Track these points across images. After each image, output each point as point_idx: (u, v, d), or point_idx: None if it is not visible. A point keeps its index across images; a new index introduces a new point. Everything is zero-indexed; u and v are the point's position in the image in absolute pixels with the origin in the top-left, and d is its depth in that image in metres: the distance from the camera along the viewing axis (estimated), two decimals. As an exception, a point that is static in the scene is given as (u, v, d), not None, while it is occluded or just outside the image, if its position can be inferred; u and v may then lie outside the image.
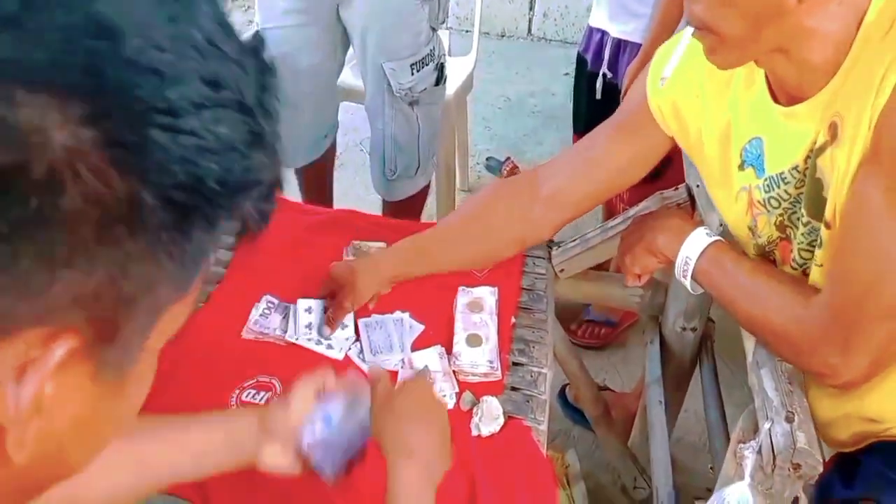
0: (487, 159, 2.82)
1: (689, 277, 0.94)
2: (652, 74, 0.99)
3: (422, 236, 1.15)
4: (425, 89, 1.66)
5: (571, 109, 2.00)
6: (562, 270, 1.30)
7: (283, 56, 1.66)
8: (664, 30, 1.57)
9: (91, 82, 0.26)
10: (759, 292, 0.88)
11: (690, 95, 0.94)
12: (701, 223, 0.95)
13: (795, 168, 0.85)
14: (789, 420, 0.81)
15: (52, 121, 0.25)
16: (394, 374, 1.05)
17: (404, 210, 1.80)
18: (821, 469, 0.80)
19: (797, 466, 0.79)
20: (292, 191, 1.91)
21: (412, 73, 1.61)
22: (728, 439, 1.22)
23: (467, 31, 3.22)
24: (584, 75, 1.88)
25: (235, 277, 1.20)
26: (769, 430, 0.81)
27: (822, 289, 0.83)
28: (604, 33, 1.79)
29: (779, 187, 0.87)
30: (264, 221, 0.33)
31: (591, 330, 1.98)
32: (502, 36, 3.89)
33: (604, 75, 1.77)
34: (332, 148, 1.91)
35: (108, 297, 0.29)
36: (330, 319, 1.08)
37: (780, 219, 0.90)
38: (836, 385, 0.84)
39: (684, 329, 1.32)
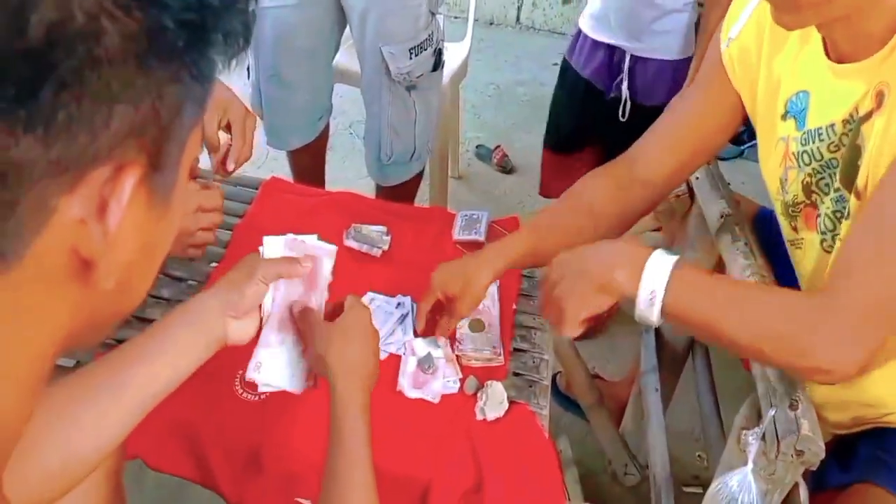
0: (477, 147, 2.84)
1: (656, 307, 0.83)
2: (722, 34, 1.00)
3: (528, 229, 1.10)
4: (423, 74, 1.64)
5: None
6: (560, 258, 1.31)
7: (280, 36, 1.64)
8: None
9: None
10: (748, 302, 0.83)
11: (752, 55, 0.96)
12: (652, 249, 0.86)
13: (832, 127, 0.86)
14: (793, 407, 0.83)
15: None
16: (396, 357, 1.05)
17: (397, 195, 1.79)
18: (823, 455, 0.81)
19: (800, 453, 0.81)
20: (285, 173, 1.89)
21: (410, 58, 1.60)
22: (722, 427, 1.24)
23: (456, 18, 3.20)
24: (574, 88, 1.77)
25: (235, 257, 1.18)
26: (773, 416, 0.83)
27: (833, 272, 0.82)
28: (611, 48, 1.69)
29: (814, 142, 0.89)
30: (248, 36, 0.36)
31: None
32: (490, 24, 3.88)
33: (625, 98, 1.68)
34: (326, 131, 1.90)
35: (152, 124, 0.33)
36: (446, 330, 1.05)
37: (808, 178, 0.91)
38: (832, 381, 0.82)
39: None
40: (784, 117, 0.93)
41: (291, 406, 0.93)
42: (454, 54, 2.18)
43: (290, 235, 0.94)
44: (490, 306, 1.13)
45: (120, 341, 0.99)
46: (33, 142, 0.29)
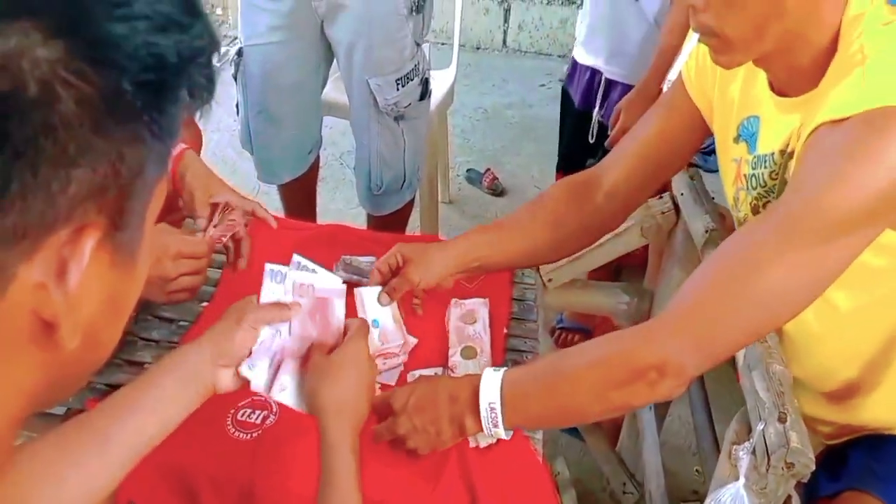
0: (468, 171, 2.86)
1: (500, 423, 0.86)
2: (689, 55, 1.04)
3: (489, 226, 1.15)
4: (410, 104, 1.67)
5: (558, 138, 2.03)
6: (550, 280, 1.32)
7: (268, 73, 1.66)
8: (665, 64, 1.64)
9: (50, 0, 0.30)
10: (569, 358, 0.87)
11: (707, 75, 0.99)
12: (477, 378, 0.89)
13: (773, 156, 0.89)
14: (782, 420, 0.83)
15: (33, 42, 0.29)
16: (390, 387, 1.05)
17: (389, 224, 1.81)
18: (813, 467, 0.82)
19: (790, 465, 0.81)
20: (275, 207, 1.91)
21: (397, 89, 1.63)
22: (716, 441, 1.24)
23: (443, 44, 3.25)
24: (570, 114, 1.91)
25: (225, 295, 1.19)
26: (762, 430, 0.83)
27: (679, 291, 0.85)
28: (594, 72, 1.81)
29: (762, 167, 0.91)
30: (212, 89, 0.37)
31: (564, 337, 1.99)
32: (477, 48, 3.93)
33: (599, 121, 1.80)
34: (316, 163, 1.92)
35: (112, 185, 0.33)
36: (393, 289, 1.05)
37: (756, 202, 0.94)
38: (671, 381, 0.80)
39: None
40: (736, 140, 0.95)
41: (284, 444, 0.93)
42: (440, 81, 2.21)
43: (296, 279, 0.95)
44: (481, 332, 1.13)
45: (110, 385, 1.00)
46: None
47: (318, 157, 1.91)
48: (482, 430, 0.88)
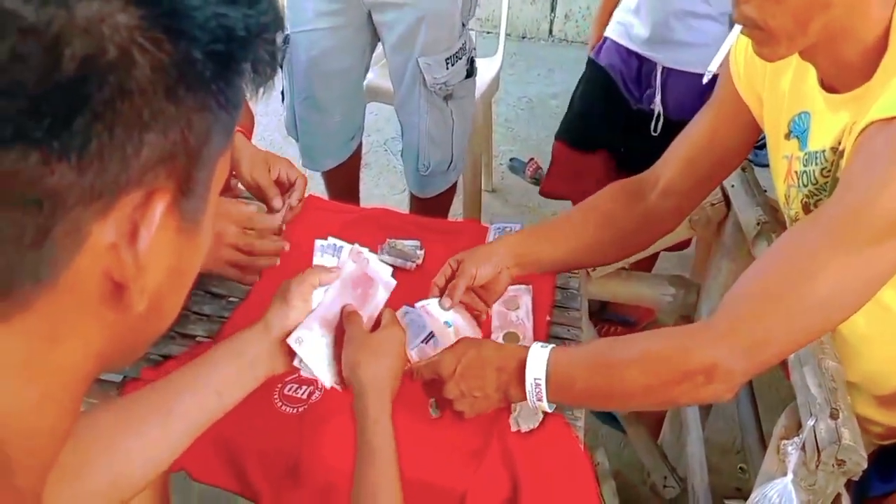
0: (511, 160, 2.85)
1: (544, 399, 0.88)
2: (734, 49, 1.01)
3: (541, 225, 1.17)
4: (458, 82, 1.68)
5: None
6: (593, 269, 1.30)
7: (314, 59, 1.68)
8: None
9: None
10: (620, 344, 0.87)
11: (757, 69, 0.97)
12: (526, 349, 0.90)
13: (824, 153, 0.87)
14: (834, 417, 0.81)
15: (114, 8, 0.30)
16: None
17: (432, 209, 1.82)
18: (865, 465, 0.80)
19: (841, 462, 0.80)
20: (320, 191, 1.93)
21: (447, 68, 1.64)
22: (762, 438, 1.22)
23: (489, 33, 3.23)
24: (591, 82, 1.76)
25: (272, 274, 1.21)
26: (813, 426, 0.81)
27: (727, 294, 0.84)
28: (642, 59, 1.68)
29: (813, 164, 0.89)
30: (274, 65, 0.37)
31: (608, 329, 1.96)
32: (523, 37, 3.91)
33: (658, 113, 1.67)
34: (359, 150, 1.94)
35: (181, 151, 0.34)
36: (453, 288, 1.04)
37: (807, 199, 0.91)
38: (721, 385, 0.80)
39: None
40: (788, 136, 0.93)
41: (328, 418, 0.94)
42: (486, 69, 2.20)
43: (355, 247, 0.96)
44: (524, 318, 1.13)
45: (164, 356, 1.03)
46: (67, 170, 0.30)
47: (360, 144, 1.92)
48: (526, 400, 0.90)
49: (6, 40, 0.28)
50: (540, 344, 0.91)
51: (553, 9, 3.90)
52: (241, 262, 1.07)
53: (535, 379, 0.88)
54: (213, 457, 0.93)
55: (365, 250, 0.99)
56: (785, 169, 0.94)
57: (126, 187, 0.32)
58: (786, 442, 0.84)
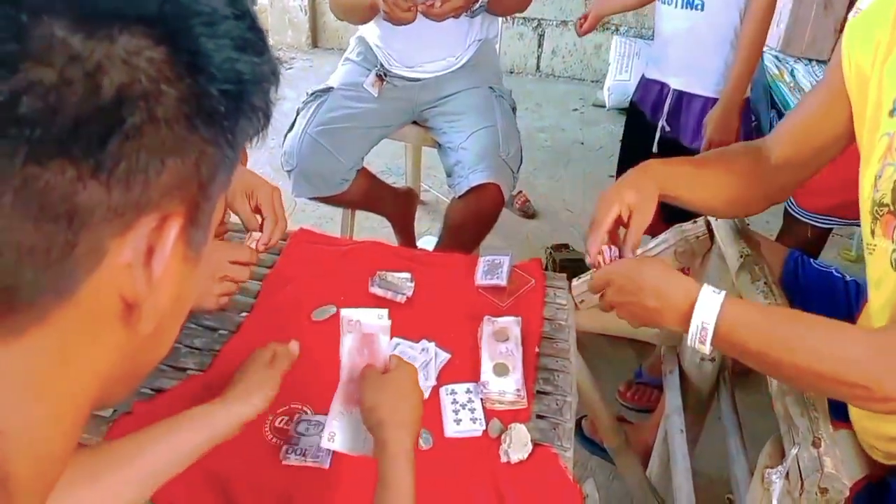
0: (500, 193, 2.89)
1: (707, 343, 0.91)
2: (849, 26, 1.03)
3: (687, 160, 1.23)
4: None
5: (614, 154, 2.18)
6: (581, 301, 1.32)
7: (348, 114, 1.87)
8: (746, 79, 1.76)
9: (157, 11, 0.34)
10: (804, 341, 0.86)
11: (871, 44, 0.97)
12: (699, 285, 0.92)
13: None
14: (816, 445, 0.83)
15: (146, 45, 0.33)
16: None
17: (481, 221, 1.99)
18: (847, 493, 0.81)
19: (824, 491, 0.81)
20: (312, 223, 1.95)
21: None
22: (749, 467, 1.23)
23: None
24: (639, 126, 2.02)
25: (264, 307, 1.23)
26: (796, 455, 0.83)
27: None
28: (663, 85, 1.95)
29: None
30: (268, 114, 0.40)
31: (641, 393, 1.96)
32: (511, 72, 3.98)
33: (662, 128, 1.94)
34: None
35: (194, 181, 0.37)
36: (629, 238, 1.09)
37: None
38: (890, 410, 0.82)
39: (703, 359, 1.35)
40: (892, 114, 0.92)
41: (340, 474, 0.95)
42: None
43: (344, 316, 1.01)
44: (513, 349, 1.15)
45: (156, 390, 1.04)
46: (97, 187, 0.32)
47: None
48: (682, 329, 0.93)
49: (57, 65, 0.31)
50: (712, 289, 0.92)
51: (540, 44, 3.98)
52: (231, 292, 1.07)
53: (702, 322, 0.90)
54: (202, 491, 0.93)
55: (349, 312, 1.02)
56: (884, 147, 0.93)
57: (146, 208, 0.35)
58: (770, 471, 0.85)
